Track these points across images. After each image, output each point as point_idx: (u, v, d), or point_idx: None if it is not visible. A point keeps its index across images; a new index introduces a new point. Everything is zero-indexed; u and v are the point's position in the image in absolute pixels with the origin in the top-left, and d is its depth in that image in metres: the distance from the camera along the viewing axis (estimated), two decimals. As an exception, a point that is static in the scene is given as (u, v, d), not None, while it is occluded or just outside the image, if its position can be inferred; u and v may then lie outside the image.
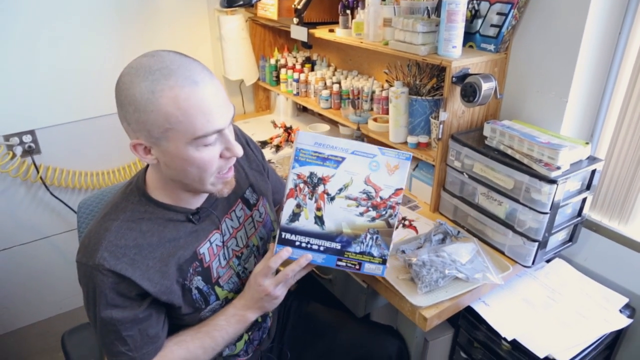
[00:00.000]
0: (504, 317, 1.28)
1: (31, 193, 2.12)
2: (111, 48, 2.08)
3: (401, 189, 1.01)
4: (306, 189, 0.98)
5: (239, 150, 0.92)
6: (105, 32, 2.06)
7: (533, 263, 1.32)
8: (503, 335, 1.23)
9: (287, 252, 0.99)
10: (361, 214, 1.01)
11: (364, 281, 1.35)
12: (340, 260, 1.02)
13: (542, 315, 1.29)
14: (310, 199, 0.98)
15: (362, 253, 1.02)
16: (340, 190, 0.99)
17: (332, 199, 0.99)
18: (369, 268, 1.04)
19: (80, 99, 2.08)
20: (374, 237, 1.02)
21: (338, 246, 1.01)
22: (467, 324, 1.37)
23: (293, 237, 0.99)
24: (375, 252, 1.03)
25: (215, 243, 1.05)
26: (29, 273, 2.23)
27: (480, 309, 1.30)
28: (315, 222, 1.00)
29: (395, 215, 1.02)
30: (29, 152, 2.02)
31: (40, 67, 1.95)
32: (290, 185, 0.98)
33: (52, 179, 2.11)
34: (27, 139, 2.00)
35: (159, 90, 0.82)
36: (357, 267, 1.04)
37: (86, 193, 2.24)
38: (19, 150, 1.98)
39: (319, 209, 0.99)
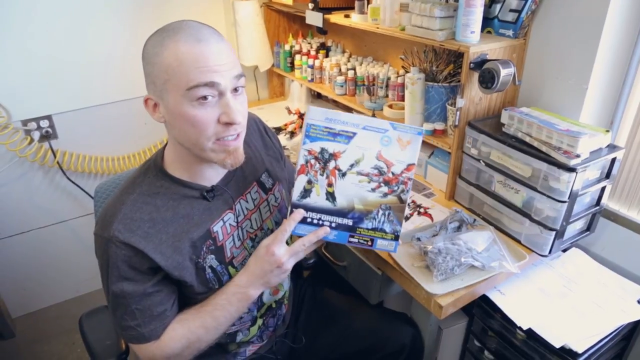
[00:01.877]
0: (520, 306, 1.27)
1: (48, 177, 2.15)
2: (125, 34, 2.08)
3: (413, 164, 1.00)
4: (317, 165, 0.96)
5: (236, 116, 0.90)
6: (120, 19, 2.06)
7: (550, 252, 1.30)
8: (518, 325, 1.22)
9: (300, 214, 0.97)
10: (373, 190, 0.99)
11: (378, 268, 1.34)
12: (352, 236, 1.01)
13: (558, 305, 1.28)
14: (322, 175, 0.97)
15: (374, 229, 1.01)
16: (352, 165, 0.97)
17: (344, 174, 0.97)
18: (382, 244, 1.03)
19: (96, 84, 2.09)
20: (386, 213, 1.01)
21: (350, 222, 1.00)
22: (481, 313, 1.36)
23: (305, 214, 0.98)
24: (387, 228, 1.02)
25: (229, 222, 1.06)
26: (46, 256, 2.27)
27: (495, 297, 1.29)
28: (327, 199, 0.98)
29: (407, 191, 1.01)
30: (46, 137, 2.04)
31: (57, 54, 1.96)
32: (301, 161, 0.96)
33: (69, 164, 2.13)
34: (44, 124, 2.02)
35: (165, 44, 0.87)
36: (370, 243, 1.03)
37: (102, 178, 2.26)
38: (36, 135, 2.00)
39: (330, 185, 0.97)
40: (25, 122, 1.98)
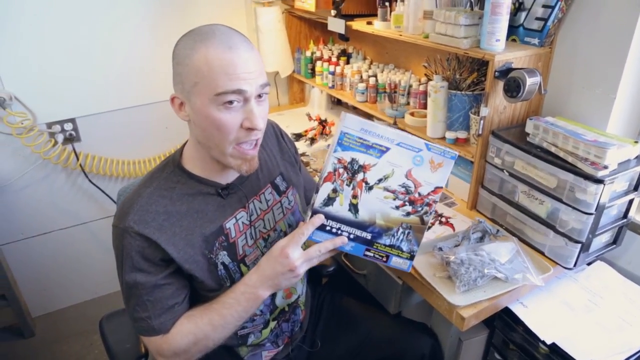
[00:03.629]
0: (543, 319, 1.24)
1: (70, 180, 2.18)
2: (148, 39, 2.11)
3: (441, 187, 0.98)
4: (345, 174, 0.94)
5: (258, 122, 0.92)
6: (144, 24, 2.08)
7: (575, 265, 1.28)
8: (542, 339, 1.19)
9: (319, 219, 0.95)
10: (397, 207, 0.98)
11: (399, 277, 1.33)
12: (368, 250, 1.00)
13: (583, 319, 1.25)
14: (348, 185, 0.95)
15: (391, 246, 1.00)
16: (380, 180, 0.96)
17: (370, 188, 0.96)
18: (396, 262, 1.02)
19: (119, 88, 2.12)
20: (406, 232, 1.00)
21: (368, 236, 0.99)
22: (503, 325, 1.34)
23: (324, 221, 0.97)
24: (404, 246, 1.01)
25: (242, 220, 1.07)
26: (66, 257, 2.29)
27: (518, 310, 1.27)
28: (349, 210, 0.97)
29: (430, 213, 1.00)
30: (70, 139, 2.07)
31: (81, 59, 1.99)
32: (329, 168, 0.94)
33: (91, 167, 2.16)
34: (68, 126, 2.05)
35: (197, 47, 0.89)
36: (385, 259, 1.02)
37: (123, 181, 2.29)
38: (60, 137, 2.03)
39: (355, 196, 0.96)
40: (49, 125, 2.01)
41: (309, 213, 0.97)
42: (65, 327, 2.28)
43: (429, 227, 1.45)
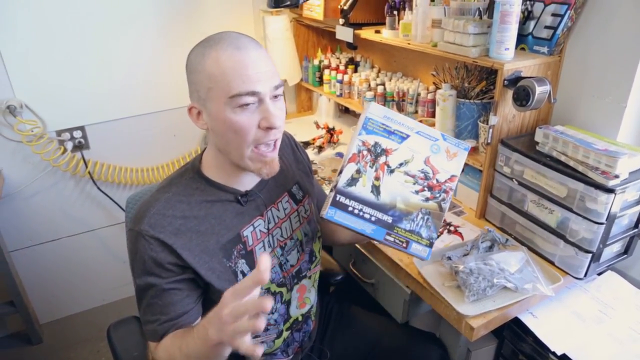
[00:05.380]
0: (553, 330, 1.23)
1: (79, 187, 2.19)
2: (157, 49, 2.12)
3: (456, 176, 1.02)
4: (368, 156, 0.98)
5: (276, 121, 0.93)
6: (153, 33, 2.10)
7: (585, 275, 1.26)
8: (552, 349, 1.18)
9: (266, 259, 0.73)
10: (416, 192, 1.00)
11: (407, 286, 1.32)
12: (389, 234, 1.00)
13: (594, 330, 1.23)
14: (371, 167, 0.98)
15: (411, 231, 1.01)
16: (401, 164, 0.99)
17: (392, 171, 0.99)
18: (416, 248, 1.01)
19: (128, 97, 2.14)
20: (425, 217, 1.01)
21: (389, 220, 0.99)
22: (512, 335, 1.32)
23: (347, 202, 0.97)
24: (424, 232, 1.01)
25: (259, 228, 1.07)
26: (74, 264, 2.30)
27: (527, 320, 1.25)
28: (372, 191, 0.99)
29: (447, 200, 1.02)
30: (79, 147, 2.09)
31: (91, 67, 2.01)
32: (353, 150, 0.98)
33: (100, 174, 2.17)
34: (77, 134, 2.06)
35: (207, 54, 0.91)
36: (405, 245, 1.01)
37: (131, 189, 2.30)
38: (69, 145, 2.05)
39: (377, 178, 0.99)
40: (59, 133, 2.03)
41: (332, 194, 0.97)
42: (73, 334, 2.28)
43: (438, 236, 1.44)
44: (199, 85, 0.93)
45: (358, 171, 0.98)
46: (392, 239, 1.01)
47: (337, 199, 0.97)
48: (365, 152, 0.98)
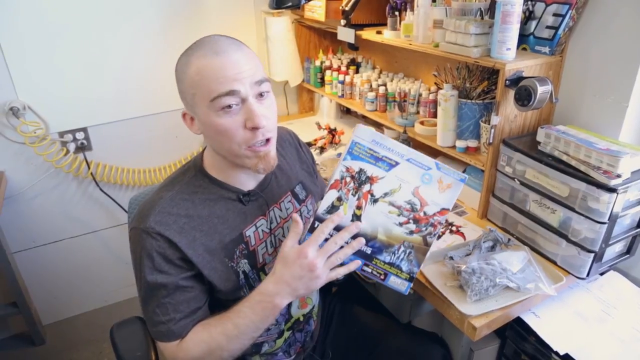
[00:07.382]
0: (556, 329, 1.23)
1: (82, 188, 2.19)
2: (159, 50, 2.13)
3: (447, 209, 0.96)
4: (352, 184, 0.93)
5: (260, 120, 0.92)
6: (153, 34, 2.11)
7: (588, 275, 1.26)
8: (555, 349, 1.18)
9: (356, 227, 0.92)
10: (400, 224, 0.95)
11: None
12: (366, 265, 0.97)
13: (597, 330, 1.23)
14: (354, 195, 0.93)
15: (390, 264, 0.97)
16: (386, 194, 0.94)
17: (375, 201, 0.94)
18: (394, 282, 0.98)
19: (130, 98, 2.14)
20: (407, 251, 0.97)
21: (368, 251, 0.96)
22: (514, 335, 1.32)
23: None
24: (404, 266, 0.97)
25: (261, 228, 1.07)
26: (77, 265, 2.31)
27: (530, 320, 1.25)
28: (352, 220, 0.94)
29: (434, 235, 0.97)
30: (81, 148, 2.09)
31: (93, 69, 2.02)
32: (336, 176, 0.93)
33: (102, 175, 2.18)
34: (79, 136, 2.07)
35: (190, 61, 0.93)
36: (382, 277, 0.98)
37: (133, 190, 2.31)
38: (72, 146, 2.05)
39: (359, 207, 0.94)
40: (62, 134, 2.04)
41: (311, 220, 0.94)
42: (76, 335, 2.28)
43: (440, 236, 1.45)
44: (185, 93, 0.95)
45: (339, 199, 0.93)
46: (369, 270, 0.98)
47: (315, 225, 0.93)
48: (348, 179, 0.93)
